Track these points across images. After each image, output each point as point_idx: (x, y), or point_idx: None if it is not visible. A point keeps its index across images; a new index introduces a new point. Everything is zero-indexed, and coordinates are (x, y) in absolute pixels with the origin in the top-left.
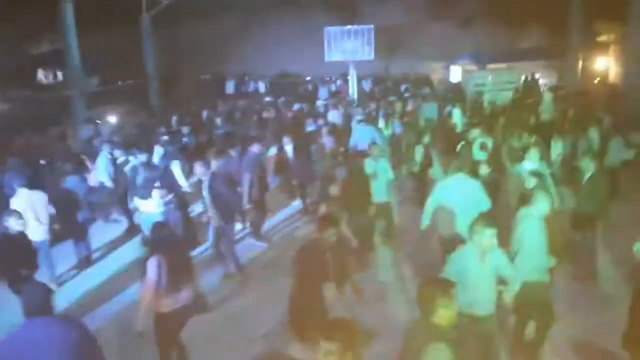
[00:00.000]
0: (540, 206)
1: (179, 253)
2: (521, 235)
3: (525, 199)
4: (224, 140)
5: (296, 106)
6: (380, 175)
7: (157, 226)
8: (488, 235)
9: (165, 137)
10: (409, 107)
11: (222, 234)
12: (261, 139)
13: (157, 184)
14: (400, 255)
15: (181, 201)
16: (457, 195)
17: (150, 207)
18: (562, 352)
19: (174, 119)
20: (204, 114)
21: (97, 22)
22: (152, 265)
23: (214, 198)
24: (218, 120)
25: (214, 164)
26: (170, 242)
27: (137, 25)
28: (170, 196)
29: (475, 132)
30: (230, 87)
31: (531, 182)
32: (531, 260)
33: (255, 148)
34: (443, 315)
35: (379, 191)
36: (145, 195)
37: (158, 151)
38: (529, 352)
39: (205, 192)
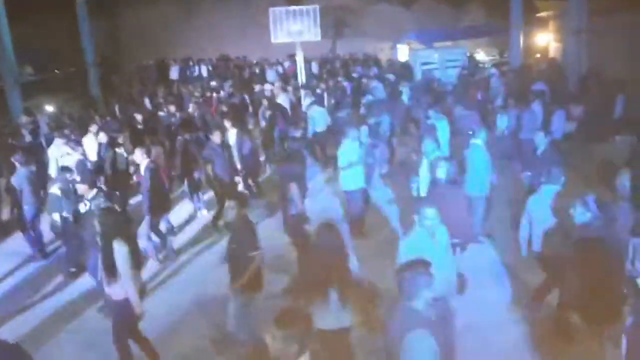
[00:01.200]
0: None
1: (132, 235)
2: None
3: None
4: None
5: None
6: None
7: (108, 212)
8: (430, 215)
9: (95, 127)
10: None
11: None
12: (218, 127)
13: (77, 179)
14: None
15: (114, 195)
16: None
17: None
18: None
19: (117, 107)
20: (146, 100)
21: (30, 6)
22: (122, 249)
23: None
24: (172, 108)
25: (154, 152)
26: (120, 229)
27: (73, 10)
28: (94, 192)
29: (432, 113)
30: (174, 73)
31: (441, 172)
32: None
33: (216, 137)
34: (424, 296)
35: (356, 177)
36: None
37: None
38: None
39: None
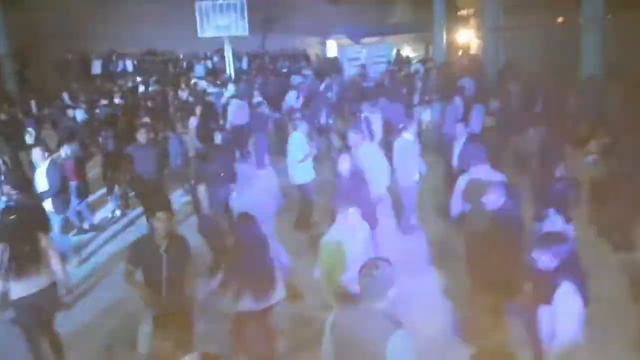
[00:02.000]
0: None
1: (27, 239)
2: None
3: None
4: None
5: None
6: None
7: (3, 212)
8: (351, 213)
9: None
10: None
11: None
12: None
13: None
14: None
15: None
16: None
17: None
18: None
19: (34, 104)
20: (65, 96)
21: None
22: None
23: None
24: (103, 102)
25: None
26: (17, 228)
27: None
28: (14, 193)
29: (367, 107)
30: (96, 67)
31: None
32: None
33: (140, 135)
34: (390, 295)
35: (309, 170)
36: None
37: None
38: None
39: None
